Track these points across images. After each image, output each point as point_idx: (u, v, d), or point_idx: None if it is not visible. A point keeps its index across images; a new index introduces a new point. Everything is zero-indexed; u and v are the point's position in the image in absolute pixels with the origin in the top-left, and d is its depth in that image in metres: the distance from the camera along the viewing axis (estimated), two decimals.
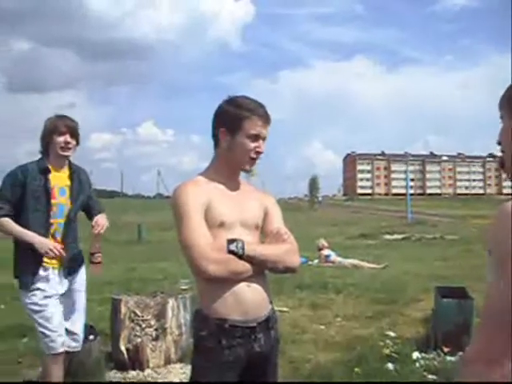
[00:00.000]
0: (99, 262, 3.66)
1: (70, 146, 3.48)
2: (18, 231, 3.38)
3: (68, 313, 3.55)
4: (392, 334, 5.58)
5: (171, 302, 4.87)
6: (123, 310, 4.70)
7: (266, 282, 2.23)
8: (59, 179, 3.49)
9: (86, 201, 3.70)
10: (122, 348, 4.68)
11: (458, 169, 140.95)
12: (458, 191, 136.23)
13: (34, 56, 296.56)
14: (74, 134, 3.52)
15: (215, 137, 2.28)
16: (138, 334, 4.71)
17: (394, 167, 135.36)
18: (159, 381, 4.53)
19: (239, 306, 2.10)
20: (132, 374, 4.63)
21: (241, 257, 2.08)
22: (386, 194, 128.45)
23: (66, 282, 3.51)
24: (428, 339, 5.11)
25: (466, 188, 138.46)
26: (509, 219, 1.20)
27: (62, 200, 3.48)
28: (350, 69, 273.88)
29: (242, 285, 2.11)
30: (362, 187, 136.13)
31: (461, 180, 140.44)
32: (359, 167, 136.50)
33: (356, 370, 4.33)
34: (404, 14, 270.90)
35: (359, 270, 11.04)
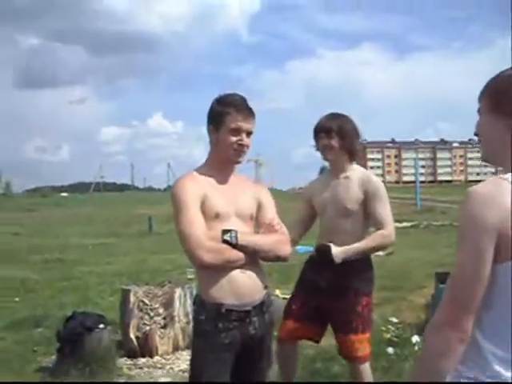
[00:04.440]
0: None
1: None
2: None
3: None
4: (395, 319, 5.72)
5: (178, 292, 5.04)
6: (132, 299, 4.88)
7: (261, 269, 2.38)
8: None
9: None
10: (132, 336, 4.86)
11: (469, 155, 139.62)
12: (470, 178, 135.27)
13: (43, 51, 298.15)
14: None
15: (209, 133, 2.44)
16: (146, 322, 4.89)
17: (404, 155, 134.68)
18: (167, 367, 4.72)
19: (234, 291, 2.25)
20: (142, 361, 4.82)
21: (234, 246, 2.23)
22: (397, 182, 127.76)
23: None
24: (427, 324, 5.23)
25: (478, 174, 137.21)
26: (467, 201, 1.36)
27: None
28: (358, 57, 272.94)
29: (237, 272, 2.26)
30: None
31: (472, 166, 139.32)
32: (369, 155, 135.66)
33: None
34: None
35: None
